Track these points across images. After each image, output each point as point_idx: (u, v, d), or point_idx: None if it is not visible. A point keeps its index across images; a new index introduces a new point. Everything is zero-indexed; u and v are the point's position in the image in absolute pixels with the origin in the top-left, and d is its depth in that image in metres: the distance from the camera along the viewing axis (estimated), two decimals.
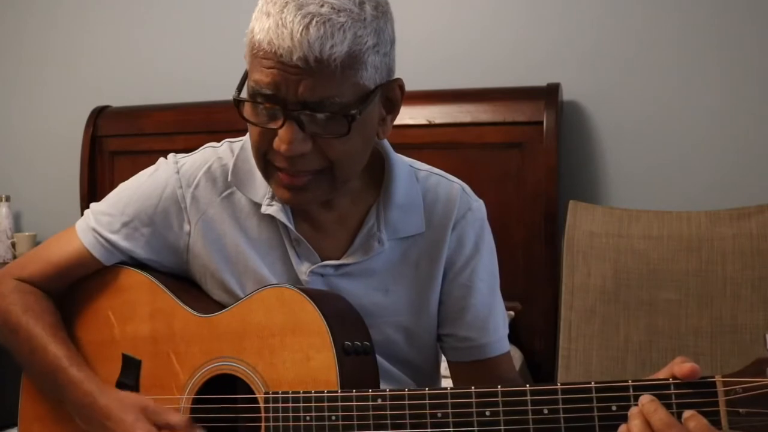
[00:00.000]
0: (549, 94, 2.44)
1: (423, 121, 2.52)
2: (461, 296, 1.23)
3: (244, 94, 1.07)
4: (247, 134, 1.22)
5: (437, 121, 2.52)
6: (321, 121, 1.03)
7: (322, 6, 0.99)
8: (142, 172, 1.26)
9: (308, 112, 1.02)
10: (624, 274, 2.20)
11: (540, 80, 2.50)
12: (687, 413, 0.89)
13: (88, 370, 1.19)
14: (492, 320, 1.25)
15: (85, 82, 3.13)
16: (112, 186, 1.30)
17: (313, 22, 0.98)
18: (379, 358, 1.15)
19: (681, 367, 0.91)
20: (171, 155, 1.26)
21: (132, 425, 1.11)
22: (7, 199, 3.07)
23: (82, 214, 1.28)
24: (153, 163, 1.27)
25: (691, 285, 2.15)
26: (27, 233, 3.08)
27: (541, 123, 2.40)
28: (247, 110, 1.06)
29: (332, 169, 1.08)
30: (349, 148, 1.07)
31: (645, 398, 0.91)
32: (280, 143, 1.03)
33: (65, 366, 1.17)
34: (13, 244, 3.03)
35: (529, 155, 2.43)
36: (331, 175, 1.08)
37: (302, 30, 0.97)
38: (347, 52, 0.99)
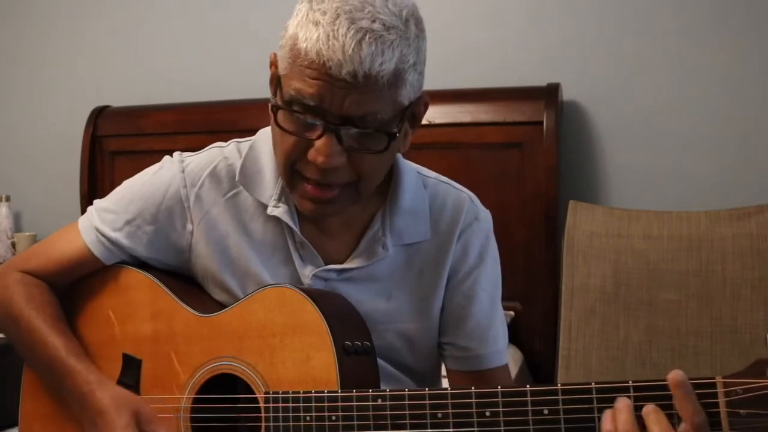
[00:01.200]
0: (549, 94, 2.44)
1: (423, 121, 2.50)
2: (463, 305, 1.23)
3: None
4: (257, 135, 1.22)
5: (437, 121, 2.51)
6: (358, 136, 1.03)
7: (374, 22, 0.98)
8: (146, 170, 1.26)
9: (350, 126, 1.02)
10: (624, 274, 2.20)
11: (540, 80, 2.50)
12: (647, 408, 0.89)
13: (88, 361, 1.18)
14: (492, 331, 1.25)
15: (85, 82, 3.12)
16: (112, 186, 1.29)
17: (366, 37, 0.97)
18: (380, 361, 1.15)
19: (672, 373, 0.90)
20: (177, 153, 1.25)
21: (122, 430, 1.09)
22: (7, 199, 3.07)
23: (82, 214, 1.28)
24: (153, 163, 1.26)
25: (691, 285, 2.15)
26: (27, 233, 3.08)
27: (541, 123, 2.39)
28: (281, 117, 1.05)
29: (358, 182, 1.08)
30: (380, 163, 1.08)
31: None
32: (316, 155, 1.03)
33: (64, 356, 1.17)
34: (13, 244, 3.03)
35: (529, 155, 2.42)
36: (356, 188, 1.09)
37: (355, 45, 0.97)
38: (393, 70, 1.00)
